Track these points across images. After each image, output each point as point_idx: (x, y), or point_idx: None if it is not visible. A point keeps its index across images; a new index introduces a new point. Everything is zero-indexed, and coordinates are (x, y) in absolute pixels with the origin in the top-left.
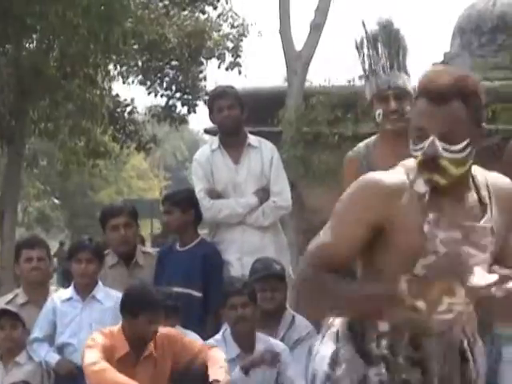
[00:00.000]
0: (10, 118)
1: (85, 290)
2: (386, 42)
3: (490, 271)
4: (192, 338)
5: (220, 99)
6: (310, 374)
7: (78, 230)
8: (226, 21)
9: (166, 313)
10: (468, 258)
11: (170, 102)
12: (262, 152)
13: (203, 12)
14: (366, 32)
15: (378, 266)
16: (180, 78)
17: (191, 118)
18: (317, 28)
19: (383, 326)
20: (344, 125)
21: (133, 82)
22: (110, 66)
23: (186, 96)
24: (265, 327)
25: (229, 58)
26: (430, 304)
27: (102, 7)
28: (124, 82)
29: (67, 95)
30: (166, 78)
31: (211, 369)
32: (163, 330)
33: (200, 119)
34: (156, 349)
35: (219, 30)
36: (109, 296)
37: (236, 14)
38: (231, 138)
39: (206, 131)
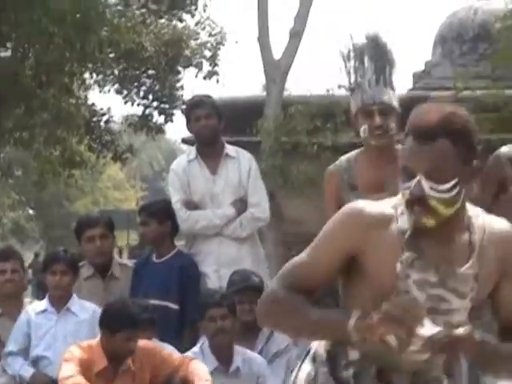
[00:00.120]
0: None
1: (59, 302)
2: (373, 56)
3: (470, 318)
4: (169, 350)
5: (197, 108)
6: None
7: (53, 241)
8: (203, 29)
9: (143, 325)
10: (440, 303)
11: (147, 111)
12: (240, 162)
13: (180, 20)
14: (353, 45)
15: (352, 293)
16: (157, 86)
17: (168, 127)
18: (296, 36)
19: (353, 355)
20: (323, 135)
21: (109, 90)
22: (86, 75)
23: (162, 105)
24: (243, 340)
25: (206, 66)
26: (401, 341)
27: (78, 15)
28: (100, 91)
29: (42, 104)
30: (143, 87)
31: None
32: (141, 342)
33: (177, 129)
34: (134, 362)
35: (197, 39)
36: (84, 308)
37: (214, 22)
38: (208, 148)
39: (184, 141)
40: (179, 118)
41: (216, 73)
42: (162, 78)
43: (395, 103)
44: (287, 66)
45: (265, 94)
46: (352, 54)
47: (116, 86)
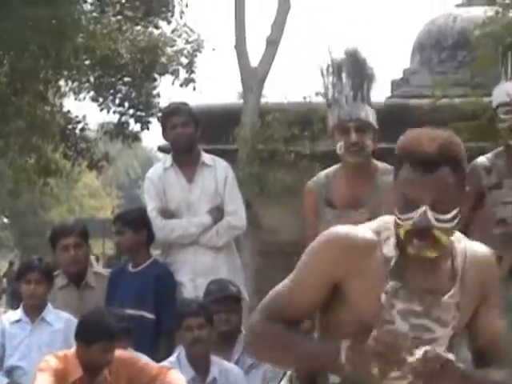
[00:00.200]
0: None
1: (34, 312)
2: (351, 72)
3: (450, 345)
4: (146, 360)
5: (173, 116)
6: None
7: (28, 249)
8: (180, 36)
9: (118, 335)
10: (424, 333)
11: (123, 119)
12: (217, 170)
13: (157, 27)
14: (332, 60)
15: (333, 322)
16: (133, 94)
17: (144, 135)
18: (273, 43)
19: (334, 378)
20: (301, 142)
21: (84, 98)
22: (61, 82)
23: (138, 113)
24: (219, 350)
25: (183, 73)
26: (383, 369)
27: (54, 22)
28: (75, 99)
29: (17, 111)
30: (119, 95)
31: None
32: (117, 352)
33: (153, 136)
34: (110, 373)
35: (173, 46)
36: (59, 318)
37: (190, 29)
38: (185, 156)
39: (160, 149)
40: (155, 125)
41: (193, 80)
42: (138, 85)
43: (372, 120)
44: (264, 73)
45: (242, 101)
46: (330, 70)
47: (91, 93)
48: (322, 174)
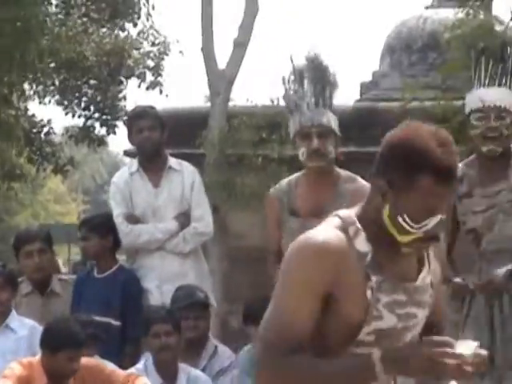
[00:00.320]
0: None
1: None
2: (313, 78)
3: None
4: (112, 367)
5: (139, 120)
6: None
7: None
8: (146, 38)
9: (85, 342)
10: (410, 320)
11: (89, 123)
12: (184, 175)
13: (123, 29)
14: (293, 66)
15: (318, 335)
16: (99, 97)
17: (111, 139)
18: (241, 46)
19: None
20: (269, 146)
21: (49, 101)
22: (26, 85)
23: (104, 116)
24: (186, 357)
25: (149, 77)
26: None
27: (18, 23)
28: (40, 102)
29: None
30: (84, 98)
31: None
32: (83, 360)
33: (120, 141)
34: (76, 380)
35: (139, 48)
36: (23, 325)
37: (157, 32)
38: (151, 161)
39: (126, 153)
40: (122, 129)
41: (159, 83)
42: (103, 88)
43: (334, 126)
44: (232, 76)
45: (209, 105)
46: (292, 76)
47: (56, 96)
48: (284, 181)
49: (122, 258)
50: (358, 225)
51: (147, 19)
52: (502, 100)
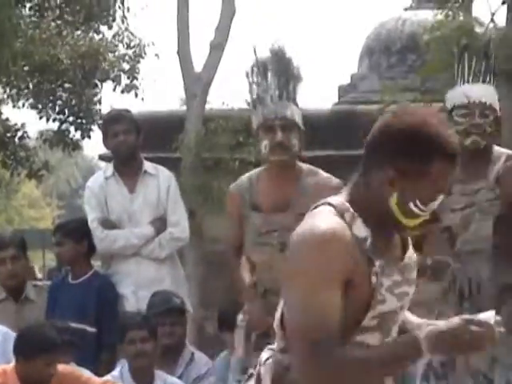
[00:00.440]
0: None
1: None
2: (277, 71)
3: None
4: (88, 375)
5: (115, 123)
6: None
7: None
8: (121, 41)
9: (61, 349)
10: (405, 298)
11: (63, 127)
12: (159, 180)
13: (97, 32)
14: (256, 59)
15: None
16: (73, 101)
17: (85, 143)
18: (217, 48)
19: None
20: (246, 150)
21: (23, 105)
22: None
23: (79, 120)
24: (162, 364)
25: (125, 80)
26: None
27: None
28: (14, 106)
29: None
30: (59, 102)
31: None
32: (59, 367)
33: (95, 145)
34: None
35: (114, 51)
36: None
37: (132, 34)
38: (126, 165)
39: (101, 157)
40: (97, 133)
41: (135, 86)
42: (78, 91)
43: (298, 119)
44: (209, 79)
45: (185, 108)
46: (255, 69)
47: (30, 100)
48: (245, 177)
49: (96, 263)
50: (351, 211)
51: (122, 22)
52: (486, 97)
